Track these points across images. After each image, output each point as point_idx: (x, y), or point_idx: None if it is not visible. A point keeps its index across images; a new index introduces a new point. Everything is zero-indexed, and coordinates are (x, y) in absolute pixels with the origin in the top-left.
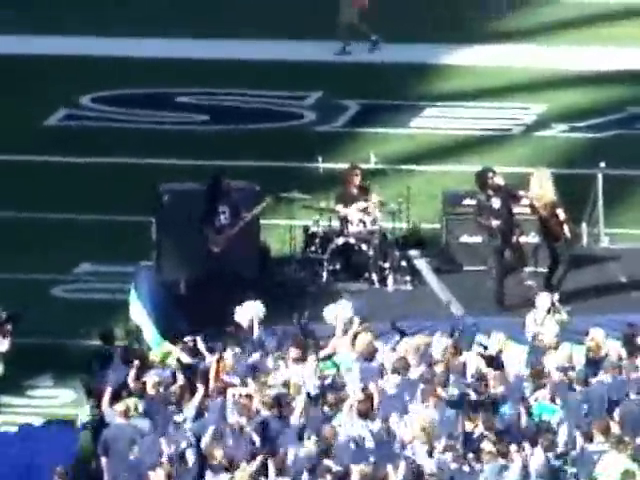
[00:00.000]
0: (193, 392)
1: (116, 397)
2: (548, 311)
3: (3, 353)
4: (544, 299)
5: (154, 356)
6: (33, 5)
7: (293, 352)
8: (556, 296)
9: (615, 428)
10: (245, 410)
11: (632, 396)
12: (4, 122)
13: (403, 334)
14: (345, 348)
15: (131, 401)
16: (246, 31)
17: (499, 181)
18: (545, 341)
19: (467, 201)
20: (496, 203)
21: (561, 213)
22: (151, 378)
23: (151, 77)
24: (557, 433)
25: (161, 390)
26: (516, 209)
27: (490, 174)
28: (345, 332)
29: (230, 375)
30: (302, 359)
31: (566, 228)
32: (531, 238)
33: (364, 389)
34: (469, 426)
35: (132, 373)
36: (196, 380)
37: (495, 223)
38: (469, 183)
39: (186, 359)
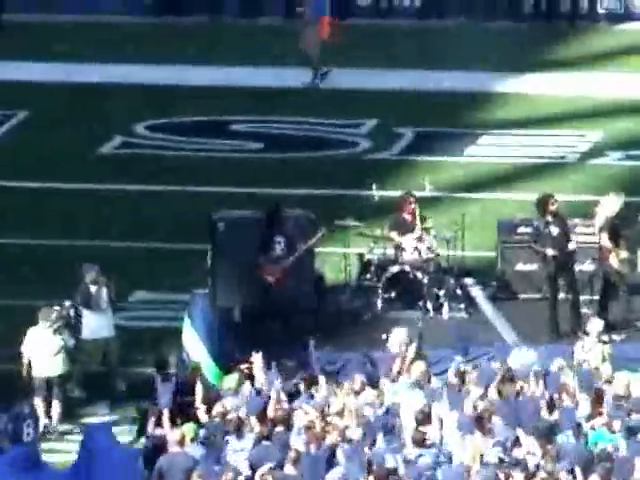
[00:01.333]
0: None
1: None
2: (598, 338)
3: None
4: (595, 325)
5: (229, 383)
6: (88, 33)
7: (357, 381)
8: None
9: None
10: (312, 437)
11: None
12: (60, 150)
13: (466, 352)
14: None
15: (189, 428)
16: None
17: (559, 207)
18: (591, 367)
19: (522, 229)
20: (554, 231)
21: (604, 240)
22: (220, 405)
23: (205, 105)
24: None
25: (229, 417)
26: (573, 237)
27: (551, 200)
28: (403, 359)
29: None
30: (366, 386)
31: (612, 255)
32: (587, 266)
33: (420, 417)
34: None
35: (198, 398)
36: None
37: (550, 252)
38: (524, 211)
39: (261, 378)
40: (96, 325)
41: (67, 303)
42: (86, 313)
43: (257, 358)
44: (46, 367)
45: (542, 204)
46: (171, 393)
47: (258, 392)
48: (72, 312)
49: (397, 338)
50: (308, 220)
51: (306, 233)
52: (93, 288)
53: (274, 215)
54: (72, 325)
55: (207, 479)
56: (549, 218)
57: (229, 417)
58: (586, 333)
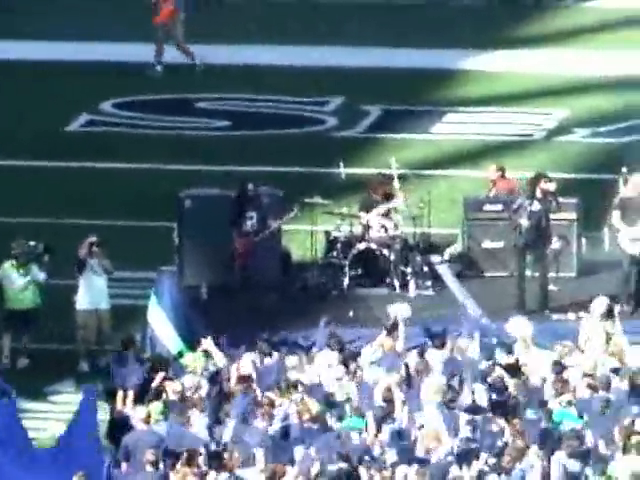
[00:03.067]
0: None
1: (136, 401)
2: (603, 317)
3: (41, 283)
4: (598, 304)
5: (188, 361)
6: (54, 12)
7: (330, 356)
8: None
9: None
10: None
11: None
12: (26, 128)
13: (432, 336)
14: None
15: (154, 406)
16: (267, 37)
17: (550, 187)
18: (594, 346)
19: (488, 207)
20: (535, 206)
21: (615, 218)
22: (175, 384)
23: (171, 83)
24: (582, 439)
25: (187, 394)
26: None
27: (544, 179)
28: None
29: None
30: (339, 363)
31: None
32: (553, 243)
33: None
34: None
35: (158, 378)
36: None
37: (524, 222)
38: (490, 188)
39: (221, 358)
40: (90, 295)
41: (34, 243)
42: (81, 282)
43: (207, 342)
44: (15, 300)
45: (533, 180)
46: (140, 373)
47: (217, 372)
48: (41, 249)
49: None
50: (276, 196)
51: (278, 210)
52: (88, 258)
53: (246, 190)
54: (41, 261)
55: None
56: (537, 194)
57: (189, 394)
58: (588, 311)
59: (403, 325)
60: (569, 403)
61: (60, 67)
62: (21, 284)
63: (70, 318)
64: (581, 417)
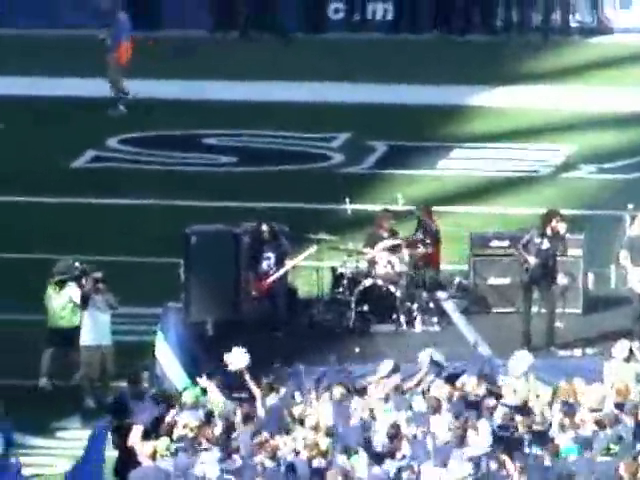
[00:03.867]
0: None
1: (144, 438)
2: (626, 359)
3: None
4: (620, 346)
5: (187, 397)
6: (61, 47)
7: (337, 391)
8: (636, 344)
9: None
10: (271, 453)
11: None
12: (32, 164)
13: (441, 367)
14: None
15: (162, 442)
16: (273, 73)
17: (561, 228)
18: (619, 388)
19: (495, 242)
20: (545, 245)
21: (623, 258)
22: (183, 419)
23: (178, 119)
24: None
25: (193, 431)
26: None
27: (557, 218)
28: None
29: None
30: (345, 399)
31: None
32: (560, 279)
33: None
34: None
35: (171, 414)
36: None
37: (532, 260)
38: (496, 224)
39: (218, 398)
40: (94, 331)
41: (78, 264)
42: (85, 318)
43: (205, 382)
44: (54, 319)
45: (546, 218)
46: (154, 410)
47: (210, 413)
48: (80, 270)
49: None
50: (283, 233)
51: (293, 248)
52: (93, 294)
53: (261, 231)
54: (80, 282)
55: None
56: (548, 232)
57: (183, 432)
58: (612, 355)
59: (426, 368)
60: (575, 440)
61: (66, 103)
62: (59, 303)
63: (73, 355)
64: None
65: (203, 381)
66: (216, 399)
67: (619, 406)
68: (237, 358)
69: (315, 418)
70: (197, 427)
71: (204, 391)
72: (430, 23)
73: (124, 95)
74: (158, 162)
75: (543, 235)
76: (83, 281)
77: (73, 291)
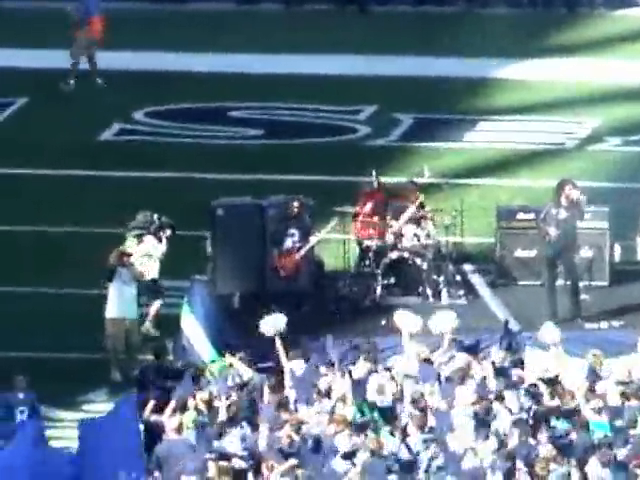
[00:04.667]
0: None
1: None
2: None
3: (159, 257)
4: None
5: (212, 369)
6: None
7: (363, 365)
8: None
9: None
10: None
11: None
12: (58, 137)
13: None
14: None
15: (186, 415)
16: (299, 45)
17: (575, 195)
18: None
19: (521, 215)
20: (562, 214)
21: None
22: (202, 393)
23: (204, 92)
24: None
25: (215, 404)
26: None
27: (569, 186)
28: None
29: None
30: (372, 371)
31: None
32: (585, 252)
33: (416, 403)
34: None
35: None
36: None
37: (553, 231)
38: (523, 197)
39: (247, 371)
40: (120, 304)
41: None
42: (111, 291)
43: (231, 357)
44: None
45: (559, 188)
46: (189, 388)
47: (244, 384)
48: (158, 223)
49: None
50: (307, 205)
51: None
52: (119, 267)
53: (291, 208)
54: (159, 236)
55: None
56: (563, 202)
57: (216, 404)
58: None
59: (448, 338)
60: (600, 411)
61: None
62: (137, 255)
63: (101, 328)
64: (612, 426)
65: (228, 356)
66: (246, 371)
67: None
68: (273, 322)
69: (341, 391)
70: (207, 401)
71: (230, 365)
72: None
73: (75, 70)
74: (184, 135)
75: (559, 205)
76: (161, 234)
77: (151, 244)
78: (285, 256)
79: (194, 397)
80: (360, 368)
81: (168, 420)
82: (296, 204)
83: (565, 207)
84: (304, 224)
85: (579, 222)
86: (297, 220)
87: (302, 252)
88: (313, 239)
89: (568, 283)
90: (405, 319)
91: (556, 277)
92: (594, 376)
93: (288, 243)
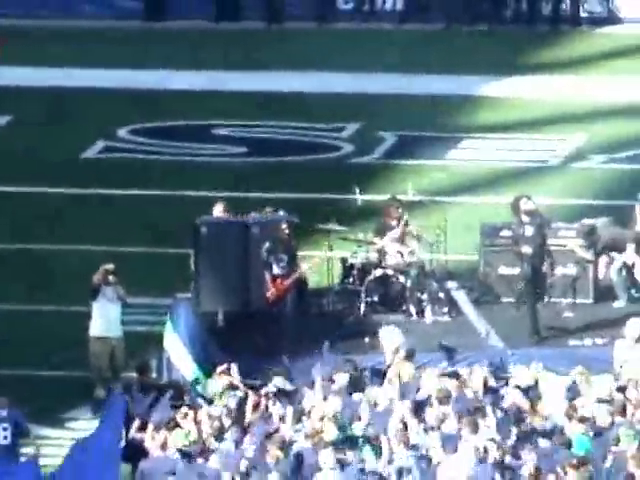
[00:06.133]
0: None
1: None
2: (638, 339)
3: None
4: (634, 326)
5: (214, 388)
6: (72, 38)
7: (341, 380)
8: None
9: None
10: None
11: None
12: (43, 154)
13: (452, 353)
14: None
15: (178, 434)
16: (283, 63)
17: (530, 206)
18: (632, 370)
19: (505, 232)
20: (529, 231)
21: (630, 252)
22: (205, 412)
23: (188, 109)
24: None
25: (202, 421)
26: (554, 240)
27: (523, 200)
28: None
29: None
30: (352, 389)
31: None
32: (570, 269)
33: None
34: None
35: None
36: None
37: (526, 249)
38: (506, 215)
39: (241, 387)
40: (103, 322)
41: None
42: (94, 309)
43: (234, 369)
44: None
45: (515, 205)
46: (166, 413)
47: (241, 400)
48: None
49: (391, 336)
50: (291, 223)
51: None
52: (103, 285)
53: (283, 228)
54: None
55: None
56: (523, 218)
57: (216, 424)
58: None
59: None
60: (583, 430)
61: (77, 94)
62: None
63: (84, 345)
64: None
65: (225, 371)
66: (241, 387)
67: (622, 389)
68: (392, 336)
69: (321, 408)
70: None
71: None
72: (439, 13)
73: None
74: (168, 153)
75: (522, 222)
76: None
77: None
78: (274, 281)
79: (184, 415)
80: (343, 383)
81: (152, 437)
82: (284, 226)
83: (528, 223)
84: (291, 248)
85: (549, 234)
86: (285, 244)
87: (292, 279)
88: (304, 266)
89: (552, 300)
90: (389, 335)
91: (535, 295)
92: (577, 393)
93: (276, 269)
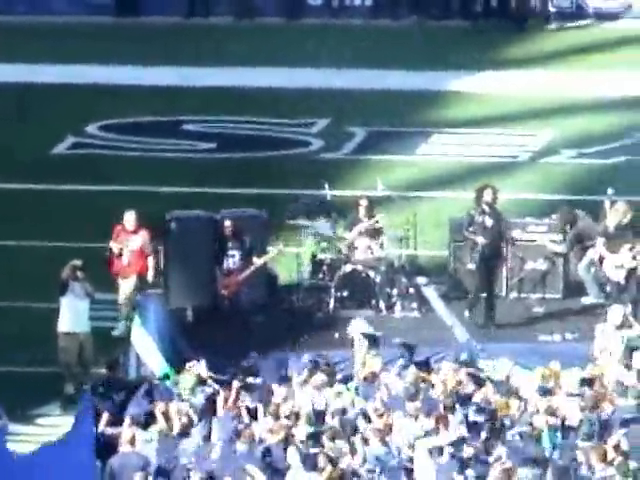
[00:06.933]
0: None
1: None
2: (620, 325)
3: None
4: (616, 312)
5: (184, 383)
6: (41, 34)
7: (318, 378)
8: (629, 309)
9: (611, 453)
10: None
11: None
12: (12, 150)
13: (412, 350)
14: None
15: (155, 428)
16: (252, 59)
17: (491, 197)
18: (611, 355)
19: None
20: (488, 222)
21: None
22: (175, 405)
23: (158, 105)
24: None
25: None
26: (524, 236)
27: (487, 190)
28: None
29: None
30: (326, 385)
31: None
32: (539, 264)
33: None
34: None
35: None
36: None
37: (481, 240)
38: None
39: (211, 382)
40: (72, 318)
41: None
42: (63, 305)
43: (203, 364)
44: None
45: (478, 193)
46: (143, 406)
47: (210, 396)
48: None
49: (357, 328)
50: (261, 219)
51: (259, 231)
52: (71, 281)
53: (224, 227)
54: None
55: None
56: (484, 208)
57: (184, 420)
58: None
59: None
60: (553, 424)
61: (47, 90)
62: None
63: (56, 340)
64: (565, 438)
65: (194, 366)
66: (212, 383)
67: (589, 382)
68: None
69: (292, 405)
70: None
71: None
72: (408, 9)
73: None
74: (138, 148)
75: (483, 212)
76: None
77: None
78: (226, 277)
79: (156, 410)
80: (316, 381)
81: (124, 433)
82: (228, 224)
83: (488, 213)
84: (245, 246)
85: (517, 228)
86: (237, 241)
87: (244, 275)
88: (254, 262)
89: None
90: (359, 327)
91: (489, 285)
92: (547, 388)
93: (229, 263)
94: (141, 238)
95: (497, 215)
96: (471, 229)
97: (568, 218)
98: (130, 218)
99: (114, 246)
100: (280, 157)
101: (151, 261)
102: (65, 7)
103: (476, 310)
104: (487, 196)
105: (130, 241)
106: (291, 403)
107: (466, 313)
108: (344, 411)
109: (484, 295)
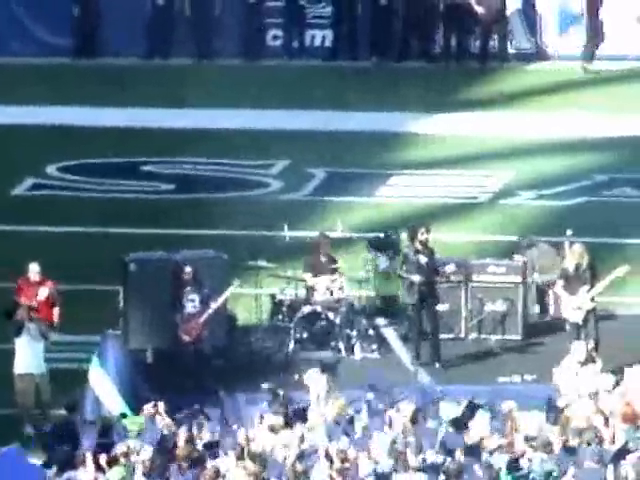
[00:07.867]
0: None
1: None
2: (584, 362)
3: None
4: (579, 348)
5: (132, 425)
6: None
7: (274, 420)
8: (591, 344)
9: None
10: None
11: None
12: None
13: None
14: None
15: (116, 471)
16: (212, 100)
17: (425, 237)
18: (580, 391)
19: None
20: (422, 260)
21: (558, 288)
22: (123, 445)
23: (116, 146)
24: None
25: (132, 459)
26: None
27: (421, 230)
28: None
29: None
30: (284, 427)
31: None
32: (499, 305)
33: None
34: None
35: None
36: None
37: (416, 278)
38: (437, 251)
39: (168, 422)
40: (27, 359)
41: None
42: (18, 346)
43: (161, 406)
44: None
45: (412, 233)
46: (93, 437)
47: (163, 438)
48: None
49: (314, 379)
50: (220, 260)
51: (218, 273)
52: (27, 322)
53: (182, 272)
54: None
55: None
56: (418, 247)
57: (134, 459)
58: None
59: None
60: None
61: (5, 131)
62: None
63: (11, 383)
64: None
65: (151, 407)
66: (168, 424)
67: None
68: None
69: (252, 446)
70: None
71: (151, 418)
72: (368, 50)
73: None
74: (97, 190)
75: (417, 252)
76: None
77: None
78: (187, 322)
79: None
80: (275, 421)
81: (86, 474)
82: (188, 270)
83: (422, 252)
84: (203, 291)
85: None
86: (196, 286)
87: (204, 317)
88: (213, 304)
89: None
90: (314, 379)
91: (422, 322)
92: (503, 429)
93: (189, 308)
94: (47, 289)
95: (431, 253)
96: (405, 268)
97: (527, 243)
98: (35, 269)
99: (24, 303)
100: (239, 198)
101: (57, 310)
102: (22, 48)
103: (421, 349)
104: (420, 235)
105: (38, 294)
106: (253, 445)
107: (411, 353)
108: (303, 454)
109: (428, 333)
